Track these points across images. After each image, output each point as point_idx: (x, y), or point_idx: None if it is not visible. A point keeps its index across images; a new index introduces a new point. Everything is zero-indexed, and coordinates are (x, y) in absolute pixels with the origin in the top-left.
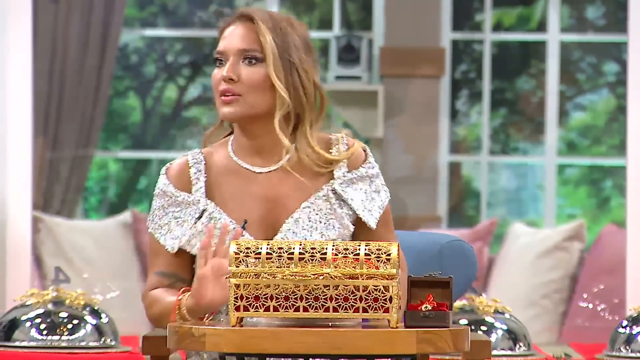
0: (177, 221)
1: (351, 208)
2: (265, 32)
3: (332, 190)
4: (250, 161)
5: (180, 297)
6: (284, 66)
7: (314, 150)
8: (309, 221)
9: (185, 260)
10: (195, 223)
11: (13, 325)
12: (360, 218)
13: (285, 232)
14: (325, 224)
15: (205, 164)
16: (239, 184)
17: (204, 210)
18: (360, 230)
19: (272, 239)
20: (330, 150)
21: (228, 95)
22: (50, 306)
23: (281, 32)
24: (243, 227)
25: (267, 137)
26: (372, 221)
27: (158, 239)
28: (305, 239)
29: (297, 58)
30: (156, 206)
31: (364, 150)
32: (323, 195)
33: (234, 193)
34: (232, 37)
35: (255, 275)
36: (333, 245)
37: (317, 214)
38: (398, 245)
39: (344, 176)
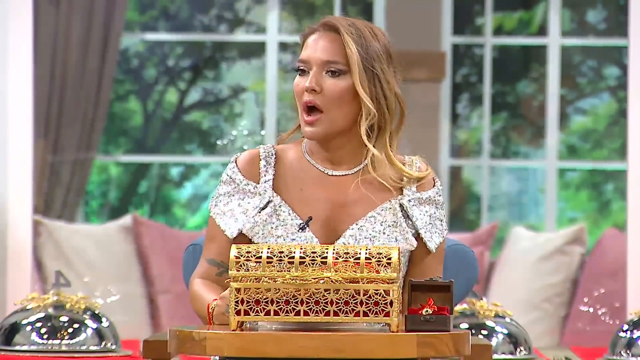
0: (241, 208)
1: (415, 226)
2: (350, 44)
3: (400, 205)
4: (324, 164)
5: (212, 306)
6: (368, 77)
7: (391, 162)
8: (373, 230)
9: None
10: (260, 212)
11: (14, 329)
12: (420, 239)
13: (347, 238)
14: (388, 235)
15: (275, 158)
16: (308, 183)
17: (269, 202)
18: (413, 252)
19: (333, 242)
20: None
21: (311, 114)
22: (50, 310)
23: (365, 43)
24: (307, 224)
25: (344, 150)
26: (432, 245)
27: (219, 224)
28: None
29: (379, 69)
30: (222, 192)
31: (434, 179)
32: (390, 208)
33: (301, 191)
34: (316, 47)
35: (256, 279)
36: (334, 249)
37: (381, 225)
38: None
39: (413, 194)
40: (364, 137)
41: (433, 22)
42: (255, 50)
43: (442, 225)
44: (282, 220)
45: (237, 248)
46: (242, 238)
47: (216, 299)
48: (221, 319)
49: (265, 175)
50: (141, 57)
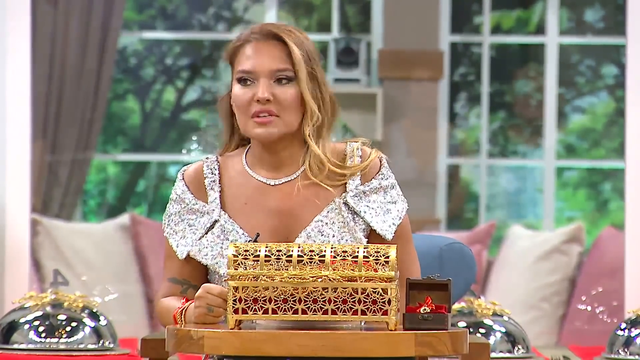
0: (191, 229)
1: (364, 221)
2: (296, 50)
3: (345, 203)
4: (264, 174)
5: (182, 308)
6: (311, 81)
7: (328, 160)
8: (321, 235)
9: (197, 267)
10: (207, 233)
11: (11, 327)
12: (374, 231)
13: None
14: (338, 237)
15: (219, 172)
16: (251, 196)
17: (216, 221)
18: (375, 242)
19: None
20: (344, 162)
21: (264, 117)
22: (48, 309)
23: (304, 47)
24: (255, 240)
25: (287, 152)
26: (388, 233)
27: (171, 245)
28: None
29: (318, 72)
30: (172, 211)
31: (380, 161)
32: (335, 209)
33: (246, 205)
34: (262, 57)
35: (254, 277)
36: (332, 248)
37: (330, 228)
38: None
39: (357, 189)
40: (308, 139)
41: (431, 21)
42: None
43: (395, 207)
44: (231, 240)
45: (235, 247)
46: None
47: (180, 307)
48: (204, 319)
49: (212, 194)
50: (139, 56)
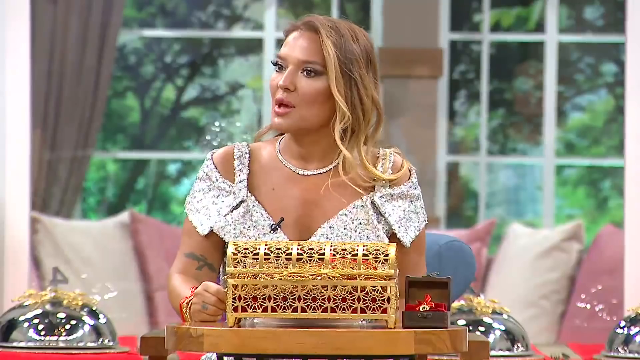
0: (215, 206)
1: (387, 223)
2: (328, 46)
3: (372, 202)
4: (295, 163)
5: (189, 298)
6: (345, 81)
7: (364, 166)
8: (344, 229)
9: (216, 246)
10: (232, 211)
11: (11, 325)
12: (394, 235)
13: (319, 237)
14: (359, 233)
15: (249, 157)
16: (280, 182)
17: (242, 201)
18: None
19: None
20: (376, 165)
21: (281, 107)
22: (48, 307)
23: (345, 46)
24: (279, 225)
25: (316, 147)
26: (407, 240)
27: (191, 221)
28: None
29: (357, 74)
30: (197, 189)
31: (410, 171)
32: (361, 205)
33: (274, 190)
34: (295, 46)
35: (254, 275)
36: (331, 246)
37: (352, 222)
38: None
39: (385, 190)
40: (338, 140)
41: (430, 19)
42: (253, 47)
43: (417, 217)
44: (254, 221)
45: (235, 245)
46: (215, 235)
47: (188, 297)
48: (198, 316)
49: (239, 175)
50: (139, 53)
